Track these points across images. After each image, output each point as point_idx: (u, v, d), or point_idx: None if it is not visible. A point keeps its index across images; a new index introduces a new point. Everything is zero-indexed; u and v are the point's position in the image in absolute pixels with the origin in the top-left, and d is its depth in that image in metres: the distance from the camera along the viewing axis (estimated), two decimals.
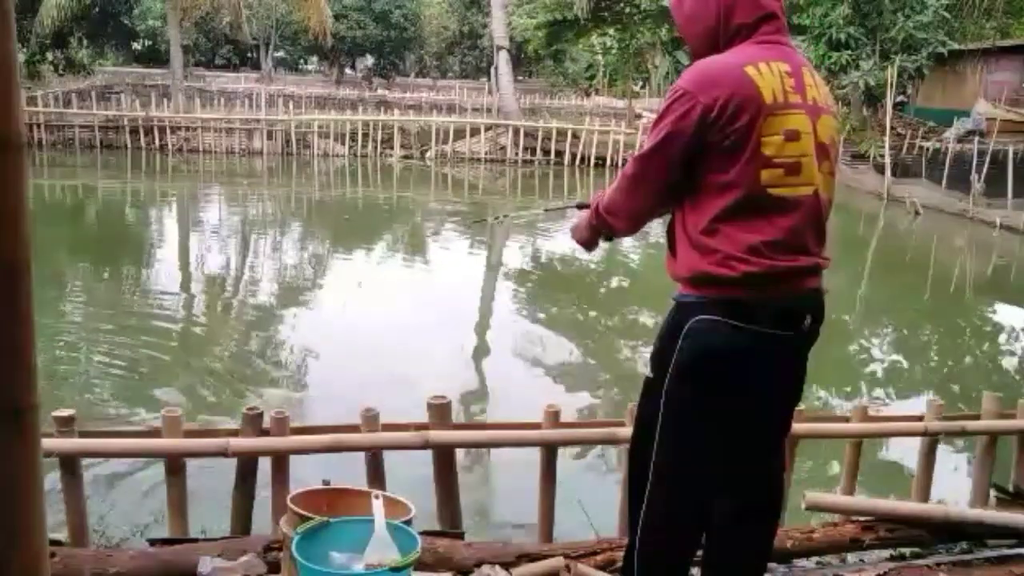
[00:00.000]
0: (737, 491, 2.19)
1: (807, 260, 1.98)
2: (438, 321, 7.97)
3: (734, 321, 1.93)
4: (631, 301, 10.03)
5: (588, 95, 34.94)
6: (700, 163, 1.93)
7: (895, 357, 8.16)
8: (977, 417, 3.46)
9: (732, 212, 1.92)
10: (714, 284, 1.95)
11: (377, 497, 2.19)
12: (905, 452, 4.89)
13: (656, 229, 14.79)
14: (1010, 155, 16.53)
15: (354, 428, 2.90)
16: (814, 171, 1.96)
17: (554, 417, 3.02)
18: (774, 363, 2.02)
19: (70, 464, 2.74)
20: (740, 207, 1.91)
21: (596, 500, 4.40)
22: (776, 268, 1.92)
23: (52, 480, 2.73)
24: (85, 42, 29.24)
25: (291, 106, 24.59)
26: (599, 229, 2.18)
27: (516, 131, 23.11)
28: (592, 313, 9.37)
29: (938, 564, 2.88)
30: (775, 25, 2.00)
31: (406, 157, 22.69)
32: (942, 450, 3.54)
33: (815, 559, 2.94)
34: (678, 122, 1.91)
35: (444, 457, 2.98)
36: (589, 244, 2.27)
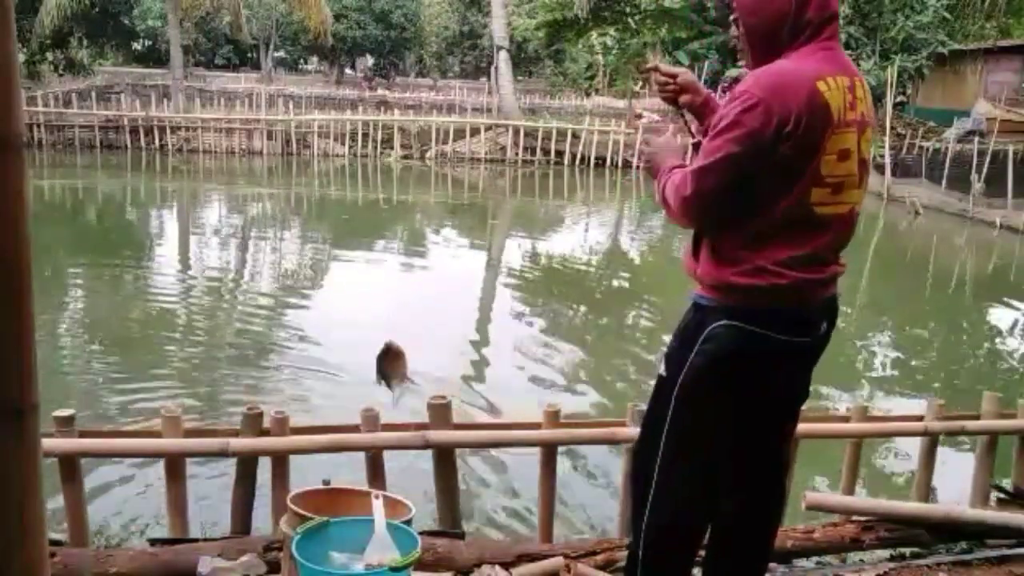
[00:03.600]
0: (741, 491, 2.19)
1: (829, 271, 2.00)
2: (437, 321, 7.96)
3: (755, 328, 1.94)
4: (632, 300, 10.03)
5: (588, 95, 34.95)
6: (754, 176, 1.88)
7: (895, 357, 8.15)
8: (977, 417, 3.46)
9: (776, 228, 1.90)
10: (739, 292, 1.95)
11: (377, 497, 2.19)
12: (905, 452, 4.89)
13: (657, 230, 14.80)
14: (1010, 155, 16.52)
15: (354, 428, 2.90)
16: (855, 188, 1.95)
17: (554, 417, 3.02)
18: (789, 368, 2.05)
19: (70, 464, 2.73)
20: (785, 224, 1.89)
21: (596, 500, 4.41)
22: (801, 280, 1.93)
23: (52, 480, 2.73)
24: (85, 42, 29.23)
25: (291, 106, 24.62)
26: (657, 188, 2.09)
27: (516, 131, 23.11)
28: (592, 312, 9.37)
29: (938, 564, 2.88)
30: (834, 28, 1.96)
31: (406, 157, 22.69)
32: (942, 450, 3.54)
33: (815, 559, 2.94)
34: (755, 135, 1.82)
35: (444, 457, 2.98)
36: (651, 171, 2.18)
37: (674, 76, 2.18)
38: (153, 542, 2.73)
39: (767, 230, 1.90)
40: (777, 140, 1.81)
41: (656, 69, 2.21)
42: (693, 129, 2.23)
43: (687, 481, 2.08)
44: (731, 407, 2.04)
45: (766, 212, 1.89)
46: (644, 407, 3.03)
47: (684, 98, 2.20)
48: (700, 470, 2.08)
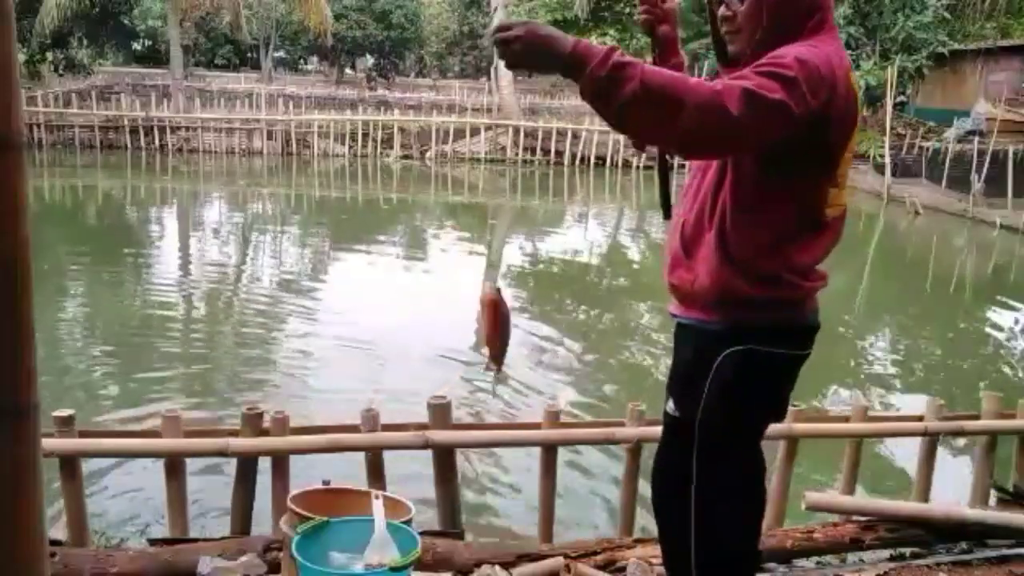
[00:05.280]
0: None
1: (825, 278, 1.89)
2: (437, 321, 7.96)
3: (771, 348, 1.82)
4: (632, 300, 10.03)
5: None
6: (777, 173, 1.71)
7: (895, 357, 8.15)
8: (977, 417, 3.46)
9: (792, 231, 1.76)
10: (752, 308, 1.80)
11: (377, 497, 2.19)
12: (905, 452, 4.89)
13: (658, 230, 14.80)
14: (1010, 155, 16.53)
15: (354, 428, 2.90)
16: (845, 189, 1.86)
17: (554, 417, 3.02)
18: (794, 380, 1.95)
19: (70, 464, 2.73)
20: (801, 226, 1.77)
21: (596, 500, 4.41)
22: (810, 289, 1.84)
23: (52, 480, 2.73)
24: (85, 42, 29.23)
25: (291, 106, 24.63)
26: (597, 83, 1.51)
27: (516, 131, 23.13)
28: (591, 312, 9.37)
29: (938, 564, 2.87)
30: (833, 17, 1.83)
31: (406, 157, 22.70)
32: (942, 450, 3.54)
33: (815, 559, 2.94)
34: (810, 97, 1.58)
35: (444, 457, 2.98)
36: (535, 67, 1.59)
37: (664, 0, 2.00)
38: (153, 542, 2.73)
39: (783, 233, 1.76)
40: (816, 124, 1.62)
41: None
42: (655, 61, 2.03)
43: (730, 519, 1.95)
44: (754, 428, 1.96)
45: (789, 212, 1.75)
46: (643, 407, 3.05)
47: (664, 27, 2.03)
48: (739, 501, 1.97)
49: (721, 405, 1.85)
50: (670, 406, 1.98)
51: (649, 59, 1.98)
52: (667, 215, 2.04)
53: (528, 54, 1.53)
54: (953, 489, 4.10)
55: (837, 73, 1.66)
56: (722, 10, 1.80)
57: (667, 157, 2.10)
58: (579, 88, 1.53)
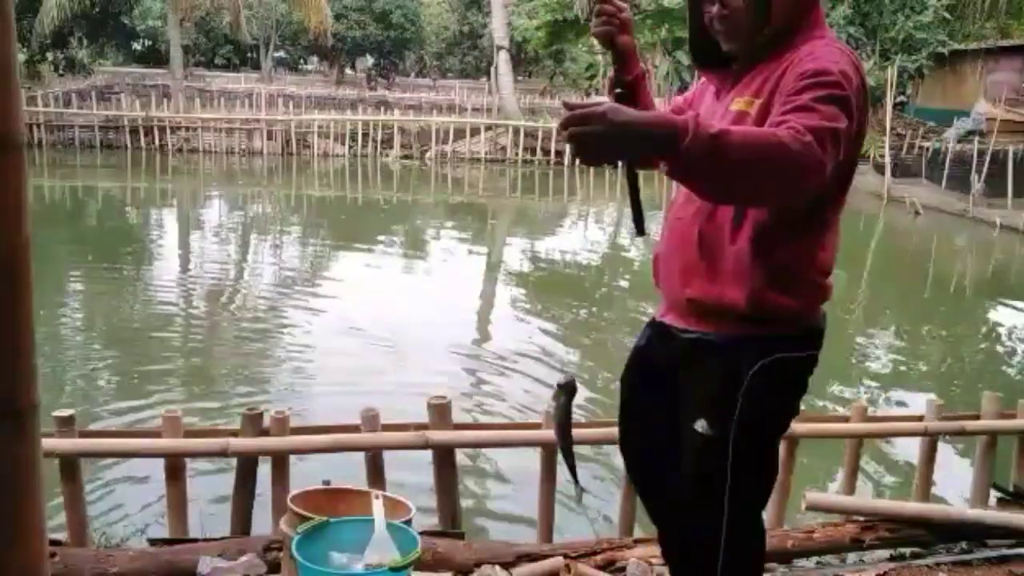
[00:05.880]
0: None
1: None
2: (437, 321, 7.96)
3: (799, 353, 1.79)
4: (632, 300, 10.02)
5: (588, 95, 34.94)
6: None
7: (895, 357, 8.15)
8: (977, 417, 3.46)
9: (822, 233, 1.75)
10: (777, 317, 1.75)
11: (377, 497, 2.19)
12: (905, 452, 4.89)
13: (654, 231, 14.82)
14: (1010, 155, 16.53)
15: (354, 428, 2.90)
16: None
17: None
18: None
19: (70, 464, 2.74)
20: (826, 227, 1.76)
21: (596, 500, 4.41)
22: (828, 288, 1.81)
23: (52, 480, 2.73)
24: (85, 42, 29.23)
25: (291, 106, 24.63)
26: (692, 161, 1.36)
27: (516, 131, 23.12)
28: (592, 311, 9.37)
29: (938, 564, 2.88)
30: None
31: (406, 157, 22.68)
32: (942, 450, 3.54)
33: (815, 559, 2.94)
34: (856, 111, 1.57)
35: (444, 457, 2.98)
36: (615, 160, 1.50)
37: (621, 10, 1.86)
38: (153, 542, 2.73)
39: (816, 236, 1.75)
40: (859, 132, 1.63)
41: None
42: (611, 74, 1.91)
43: (755, 522, 1.95)
44: (782, 434, 1.97)
45: (822, 215, 1.73)
46: None
47: (625, 38, 1.87)
48: (763, 503, 1.98)
49: (756, 417, 1.79)
50: (701, 425, 1.83)
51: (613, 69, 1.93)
52: (640, 231, 1.90)
53: (610, 152, 1.41)
54: (953, 489, 4.10)
55: (860, 73, 1.64)
56: (716, 8, 1.73)
57: (635, 172, 1.90)
58: (668, 166, 1.39)
